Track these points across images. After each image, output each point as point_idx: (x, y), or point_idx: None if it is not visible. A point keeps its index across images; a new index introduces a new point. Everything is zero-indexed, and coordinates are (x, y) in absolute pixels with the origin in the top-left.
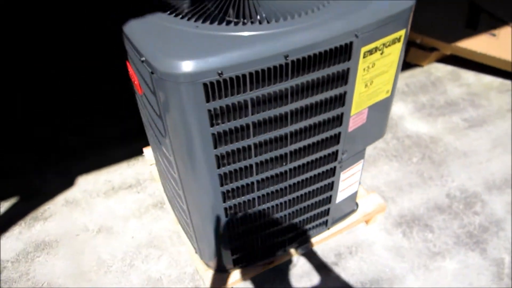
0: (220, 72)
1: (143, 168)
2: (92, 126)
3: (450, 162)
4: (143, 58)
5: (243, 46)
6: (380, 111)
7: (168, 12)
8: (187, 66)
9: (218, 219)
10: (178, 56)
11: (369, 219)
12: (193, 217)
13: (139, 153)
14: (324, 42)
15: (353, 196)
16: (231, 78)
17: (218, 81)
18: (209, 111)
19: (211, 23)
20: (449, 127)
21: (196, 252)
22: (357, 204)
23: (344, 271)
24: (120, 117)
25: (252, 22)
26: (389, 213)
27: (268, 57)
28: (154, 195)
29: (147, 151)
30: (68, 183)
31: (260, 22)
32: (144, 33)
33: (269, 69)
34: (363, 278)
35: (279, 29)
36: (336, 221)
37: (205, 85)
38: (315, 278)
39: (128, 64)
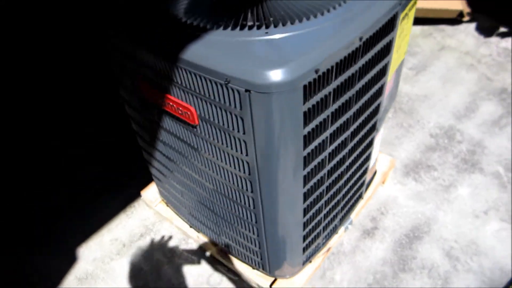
0: (316, 69)
1: (145, 212)
2: (74, 181)
3: (418, 107)
4: (227, 79)
5: (326, 38)
6: (398, 74)
7: (217, 28)
8: (289, 71)
9: (298, 219)
10: (274, 64)
11: (385, 178)
12: (267, 227)
13: (133, 198)
14: (383, 17)
15: (375, 162)
16: (323, 73)
17: (314, 80)
18: (304, 112)
19: (267, 27)
20: (402, 78)
21: (255, 268)
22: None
23: (386, 231)
24: (103, 164)
25: (295, 20)
26: (395, 167)
27: (349, 43)
28: (174, 234)
29: (146, 193)
30: (70, 259)
31: (307, 18)
32: (213, 54)
33: (349, 54)
34: (405, 231)
35: (345, 15)
36: (366, 189)
37: (304, 87)
38: (366, 248)
39: (169, 99)
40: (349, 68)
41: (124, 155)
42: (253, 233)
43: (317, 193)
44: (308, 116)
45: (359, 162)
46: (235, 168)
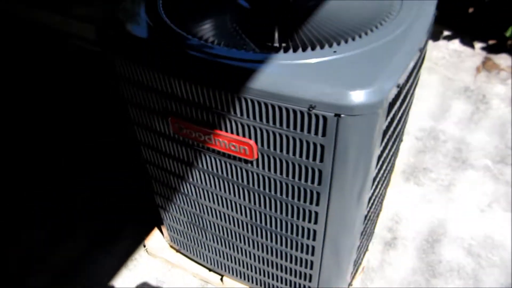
0: (398, 84)
1: (151, 262)
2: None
3: None
4: (312, 105)
5: (395, 52)
6: None
7: (272, 51)
8: (379, 89)
9: (354, 243)
10: (363, 84)
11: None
12: (324, 259)
13: (131, 250)
14: (430, 26)
15: None
16: (399, 87)
17: (395, 95)
18: (384, 131)
19: (322, 48)
20: None
21: None
22: None
23: (406, 239)
24: (93, 219)
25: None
26: (395, 173)
27: (415, 54)
28: (190, 282)
29: (150, 242)
30: None
31: (365, 33)
32: (289, 79)
33: (413, 66)
34: (423, 236)
35: (401, 27)
36: None
37: (389, 103)
38: (392, 260)
39: (219, 135)
40: (414, 80)
41: (107, 205)
42: (306, 267)
43: (368, 213)
44: (384, 135)
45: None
46: (299, 200)
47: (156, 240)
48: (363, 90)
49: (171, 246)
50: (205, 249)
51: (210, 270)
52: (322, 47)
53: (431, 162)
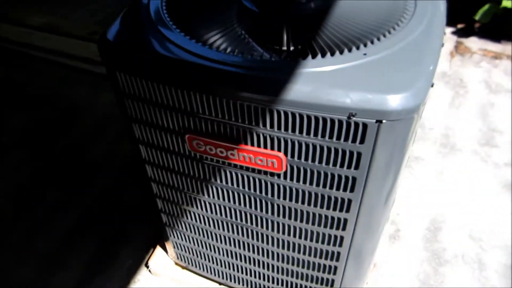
0: (432, 84)
1: (155, 281)
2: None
3: None
4: (352, 113)
5: (422, 50)
6: None
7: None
8: (417, 92)
9: (375, 246)
10: (402, 88)
11: None
12: (348, 265)
13: (133, 271)
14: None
15: None
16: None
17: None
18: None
19: (349, 51)
20: None
21: None
22: None
23: (409, 230)
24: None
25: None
26: None
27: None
28: None
29: (154, 261)
30: None
31: (383, 36)
32: (326, 87)
33: None
34: (425, 225)
35: (420, 25)
36: None
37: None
38: (398, 252)
39: (243, 149)
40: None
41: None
42: (329, 273)
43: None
44: (412, 138)
45: None
46: (328, 208)
47: (160, 259)
48: (405, 94)
49: (177, 263)
50: (216, 264)
51: (220, 284)
52: (350, 50)
53: (421, 150)
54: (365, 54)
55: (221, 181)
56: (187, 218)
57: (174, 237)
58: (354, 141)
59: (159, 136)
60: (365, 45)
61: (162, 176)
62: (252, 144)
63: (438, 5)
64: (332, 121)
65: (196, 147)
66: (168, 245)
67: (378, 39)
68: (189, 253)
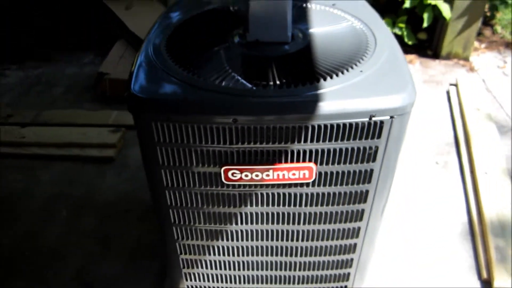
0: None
1: None
2: None
3: None
4: (373, 114)
5: (400, 62)
6: None
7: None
8: (412, 90)
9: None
10: (401, 88)
11: None
12: (362, 255)
13: None
14: None
15: None
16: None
17: None
18: None
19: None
20: None
21: None
22: None
23: None
24: None
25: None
26: None
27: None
28: None
29: None
30: None
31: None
32: (349, 98)
33: None
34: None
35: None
36: None
37: None
38: None
39: (278, 168)
40: None
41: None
42: (346, 267)
43: None
44: None
45: None
46: (349, 203)
47: None
48: (405, 94)
49: None
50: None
51: None
52: (347, 70)
53: None
54: (361, 71)
55: (252, 204)
56: (210, 254)
57: (192, 280)
58: (373, 137)
59: (191, 176)
60: (356, 65)
61: (188, 216)
62: (286, 161)
63: (390, 37)
64: (357, 124)
65: (231, 177)
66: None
67: (362, 59)
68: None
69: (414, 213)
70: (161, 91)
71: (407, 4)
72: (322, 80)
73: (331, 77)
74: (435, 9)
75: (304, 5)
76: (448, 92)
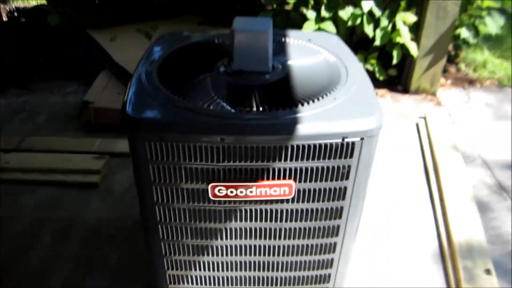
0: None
1: None
2: None
3: None
4: (344, 136)
5: (368, 92)
6: None
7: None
8: (380, 114)
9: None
10: (371, 113)
11: None
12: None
13: None
14: None
15: None
16: None
17: None
18: None
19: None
20: None
21: None
22: None
23: None
24: None
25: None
26: None
27: None
28: None
29: None
30: None
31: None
32: (325, 121)
33: None
34: None
35: (357, 82)
36: None
37: None
38: None
39: (260, 185)
40: None
41: None
42: (324, 281)
43: None
44: None
45: None
46: (325, 219)
47: None
48: (373, 117)
49: None
50: None
51: None
52: (322, 97)
53: None
54: (335, 98)
55: (236, 220)
56: (196, 269)
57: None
58: (346, 157)
59: (180, 192)
60: (329, 93)
61: (176, 231)
62: (268, 178)
63: (361, 69)
64: (331, 145)
65: (217, 194)
66: None
67: (334, 89)
68: None
69: (388, 237)
70: (154, 113)
71: (377, 42)
72: (300, 105)
73: (308, 103)
74: (403, 47)
75: (283, 39)
76: (417, 125)
